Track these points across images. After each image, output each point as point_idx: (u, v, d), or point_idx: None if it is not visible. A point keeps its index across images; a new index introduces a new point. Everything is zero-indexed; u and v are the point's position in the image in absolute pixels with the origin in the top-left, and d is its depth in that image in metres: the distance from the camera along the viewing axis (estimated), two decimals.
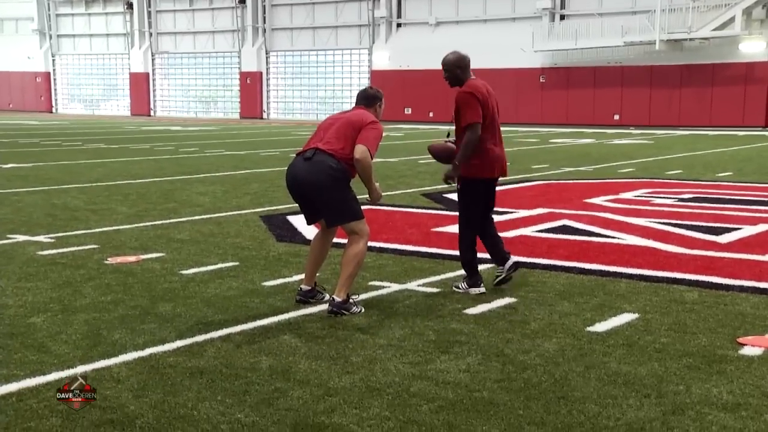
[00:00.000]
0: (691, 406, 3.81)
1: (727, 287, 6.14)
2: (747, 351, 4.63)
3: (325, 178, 5.31)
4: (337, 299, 5.33)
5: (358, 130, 5.37)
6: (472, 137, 5.84)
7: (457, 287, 6.08)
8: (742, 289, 6.09)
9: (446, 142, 6.13)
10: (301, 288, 5.66)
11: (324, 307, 5.46)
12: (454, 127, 6.12)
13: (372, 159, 5.37)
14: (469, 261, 6.09)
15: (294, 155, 5.60)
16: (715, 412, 3.76)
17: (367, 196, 5.63)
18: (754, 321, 5.24)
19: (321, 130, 5.55)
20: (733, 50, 34.01)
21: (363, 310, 5.43)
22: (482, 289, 6.01)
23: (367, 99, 5.65)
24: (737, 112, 34.17)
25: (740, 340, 4.83)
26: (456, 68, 6.02)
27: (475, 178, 5.98)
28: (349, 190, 5.43)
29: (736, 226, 8.86)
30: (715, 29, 33.21)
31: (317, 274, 5.77)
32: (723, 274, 6.57)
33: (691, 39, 33.93)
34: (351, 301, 5.41)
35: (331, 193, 5.35)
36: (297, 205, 5.72)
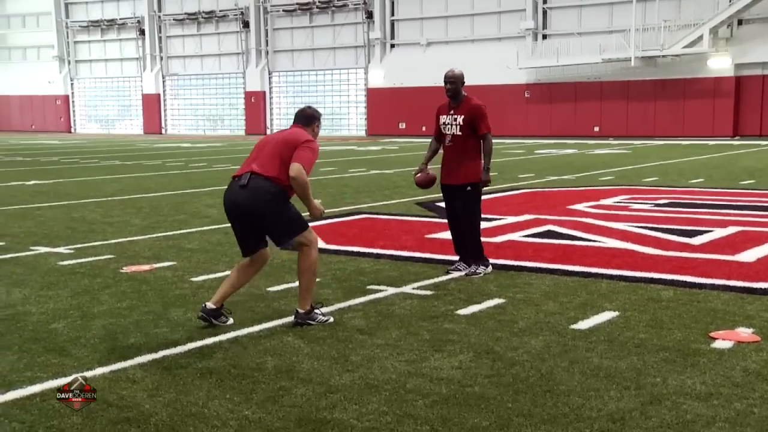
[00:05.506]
0: (667, 397, 3.82)
1: (700, 285, 6.14)
2: (718, 344, 4.64)
3: (266, 204, 4.99)
4: (301, 311, 5.13)
5: (293, 149, 5.03)
6: (491, 144, 6.65)
7: (477, 272, 6.57)
8: (713, 287, 6.10)
9: (423, 170, 6.78)
10: (205, 305, 5.12)
11: (325, 310, 5.43)
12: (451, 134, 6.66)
13: (308, 176, 5.03)
14: (482, 247, 6.73)
15: (231, 178, 5.22)
16: (689, 401, 3.76)
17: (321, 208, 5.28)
18: (725, 316, 5.25)
19: (256, 149, 5.22)
20: (702, 66, 34.14)
21: (332, 319, 5.21)
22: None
23: (305, 118, 5.32)
24: (707, 123, 34.27)
25: (712, 334, 4.83)
26: (460, 82, 6.62)
27: (480, 182, 6.68)
28: (290, 207, 5.10)
29: (708, 228, 8.87)
30: (685, 47, 33.33)
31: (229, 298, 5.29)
32: (696, 273, 6.58)
33: (663, 56, 34.05)
34: (315, 311, 5.19)
35: (274, 216, 5.03)
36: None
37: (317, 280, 6.31)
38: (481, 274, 6.60)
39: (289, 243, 5.21)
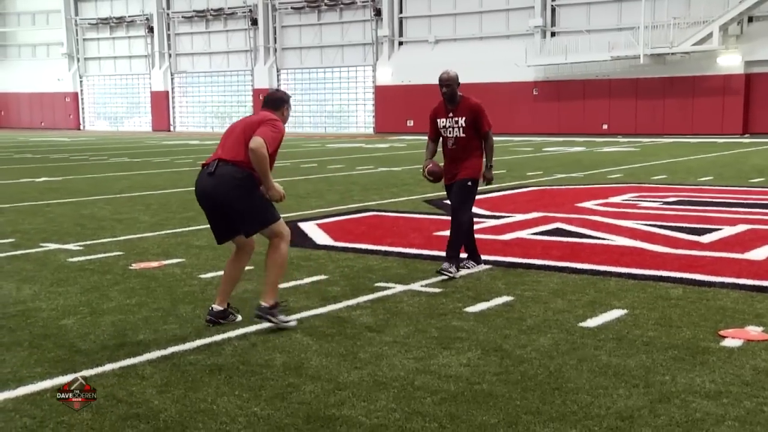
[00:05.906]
0: (676, 395, 3.81)
1: (709, 284, 6.12)
2: (728, 343, 4.62)
3: (233, 190, 4.88)
4: (264, 305, 4.96)
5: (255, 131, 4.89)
6: (492, 141, 6.64)
7: (450, 272, 6.36)
8: (723, 285, 6.08)
9: (430, 163, 6.73)
10: (212, 308, 5.13)
11: (333, 307, 5.46)
12: (454, 135, 6.60)
13: (269, 154, 4.84)
14: (473, 243, 6.79)
15: (201, 166, 5.16)
16: (698, 399, 3.75)
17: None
18: (734, 315, 5.23)
19: (224, 136, 5.11)
20: (711, 63, 33.97)
21: (294, 323, 5.01)
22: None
23: (273, 102, 5.16)
24: (716, 120, 34.11)
25: (721, 332, 4.82)
26: (456, 84, 6.52)
27: (479, 178, 6.64)
28: (259, 197, 4.97)
29: (717, 226, 8.84)
30: (694, 44, 33.18)
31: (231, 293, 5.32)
32: (705, 271, 6.56)
33: (672, 53, 33.89)
34: (279, 313, 5.00)
35: (242, 203, 4.92)
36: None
37: (325, 277, 6.34)
38: (446, 276, 6.35)
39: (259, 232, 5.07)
